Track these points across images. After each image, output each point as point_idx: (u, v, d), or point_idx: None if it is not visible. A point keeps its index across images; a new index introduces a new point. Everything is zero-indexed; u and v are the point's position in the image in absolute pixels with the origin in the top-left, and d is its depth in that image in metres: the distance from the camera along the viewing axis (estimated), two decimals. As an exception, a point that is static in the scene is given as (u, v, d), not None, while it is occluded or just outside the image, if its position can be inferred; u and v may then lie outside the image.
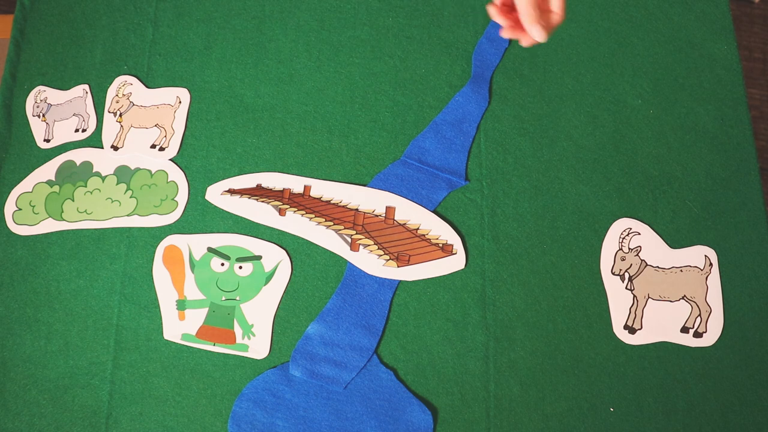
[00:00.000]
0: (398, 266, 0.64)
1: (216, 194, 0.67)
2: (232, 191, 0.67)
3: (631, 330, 0.62)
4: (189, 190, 0.67)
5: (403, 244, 0.65)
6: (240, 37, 0.73)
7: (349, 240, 0.65)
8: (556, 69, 0.72)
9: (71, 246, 0.66)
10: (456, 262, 0.65)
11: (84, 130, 0.70)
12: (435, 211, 0.66)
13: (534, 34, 0.56)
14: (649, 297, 0.63)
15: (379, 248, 0.65)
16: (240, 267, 0.64)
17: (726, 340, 0.63)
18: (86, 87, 0.72)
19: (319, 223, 0.65)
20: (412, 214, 0.66)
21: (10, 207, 0.68)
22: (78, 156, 0.69)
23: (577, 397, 0.61)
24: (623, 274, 0.64)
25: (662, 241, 0.65)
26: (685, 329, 0.62)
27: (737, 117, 0.70)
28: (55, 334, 0.63)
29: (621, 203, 0.67)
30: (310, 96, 0.71)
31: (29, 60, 0.73)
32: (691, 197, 0.67)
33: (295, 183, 0.67)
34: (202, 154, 0.69)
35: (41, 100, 0.71)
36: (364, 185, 0.67)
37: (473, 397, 0.61)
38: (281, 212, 0.66)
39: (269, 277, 0.64)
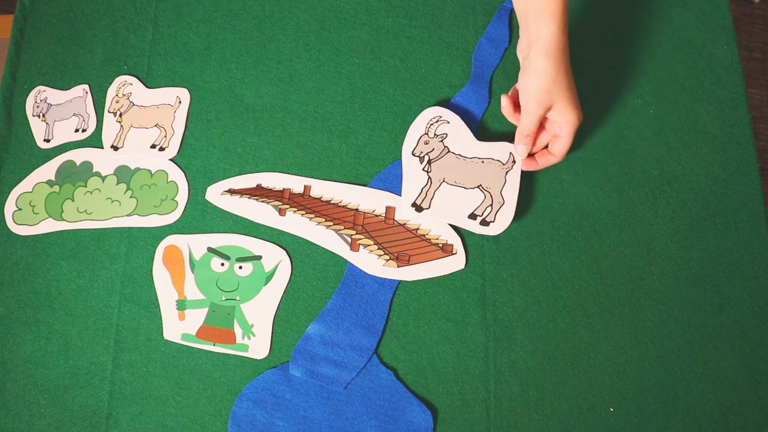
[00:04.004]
0: (398, 266, 0.64)
1: (216, 194, 0.67)
2: (232, 191, 0.67)
3: (419, 208, 0.64)
4: (189, 190, 0.67)
5: (403, 244, 0.65)
6: (240, 37, 0.73)
7: (349, 240, 0.65)
8: (556, 69, 0.72)
9: (71, 246, 0.66)
10: (456, 262, 0.65)
11: (84, 130, 0.70)
12: (435, 211, 0.66)
13: (516, 151, 0.60)
14: (444, 181, 0.64)
15: (379, 248, 0.65)
16: (240, 267, 0.64)
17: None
18: (86, 87, 0.72)
19: (319, 223, 0.65)
20: (411, 214, 0.66)
21: (10, 207, 0.68)
22: (78, 156, 0.69)
23: (577, 397, 0.61)
24: (423, 156, 0.65)
25: (470, 132, 0.66)
26: (473, 216, 0.63)
27: (737, 117, 0.70)
28: (55, 334, 0.63)
29: (621, 203, 0.67)
30: (310, 96, 0.71)
31: (29, 60, 0.73)
32: (691, 197, 0.67)
33: (295, 183, 0.67)
34: (202, 154, 0.69)
35: (41, 100, 0.71)
36: (364, 185, 0.67)
37: (473, 397, 0.61)
38: (281, 212, 0.66)
39: (269, 277, 0.64)
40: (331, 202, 0.66)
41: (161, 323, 0.63)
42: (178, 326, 0.63)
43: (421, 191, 0.64)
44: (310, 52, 0.72)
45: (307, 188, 0.67)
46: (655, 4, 0.74)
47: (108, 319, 0.64)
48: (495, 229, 0.63)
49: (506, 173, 0.64)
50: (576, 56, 0.72)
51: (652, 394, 0.61)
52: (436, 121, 0.66)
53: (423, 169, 0.65)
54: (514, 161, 0.64)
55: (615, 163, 0.68)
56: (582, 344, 0.63)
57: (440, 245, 0.65)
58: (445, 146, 0.65)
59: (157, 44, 0.73)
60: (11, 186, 0.68)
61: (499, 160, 0.64)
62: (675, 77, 0.71)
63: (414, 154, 0.65)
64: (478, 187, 0.64)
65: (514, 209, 0.64)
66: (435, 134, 0.65)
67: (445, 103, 0.70)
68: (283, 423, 0.60)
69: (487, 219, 0.63)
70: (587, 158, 0.69)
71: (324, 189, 0.67)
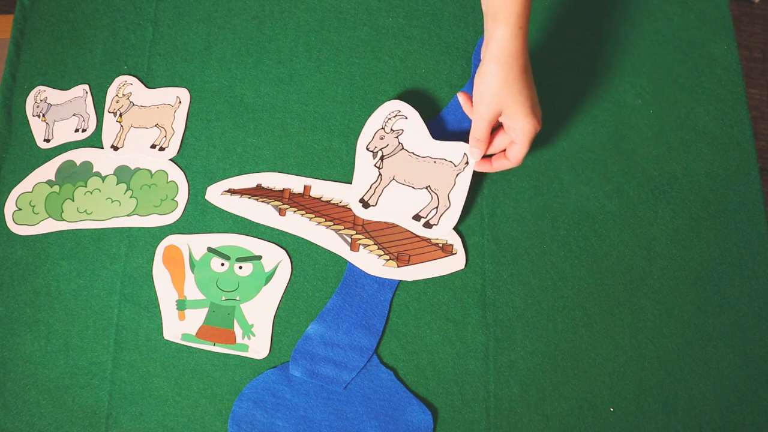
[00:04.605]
0: (398, 266, 0.64)
1: (216, 194, 0.67)
2: (232, 191, 0.67)
3: (366, 204, 0.64)
4: (189, 190, 0.67)
5: (403, 244, 0.65)
6: (240, 37, 0.73)
7: (349, 240, 0.65)
8: (555, 69, 0.72)
9: (71, 246, 0.66)
10: (456, 262, 0.65)
11: (84, 130, 0.70)
12: (435, 211, 0.66)
13: (470, 153, 0.62)
14: (394, 179, 0.64)
15: (379, 248, 0.65)
16: (240, 267, 0.64)
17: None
18: (86, 87, 0.72)
19: (319, 223, 0.65)
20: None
21: (10, 207, 0.68)
22: (78, 156, 0.69)
23: (577, 397, 0.61)
24: (377, 152, 0.65)
25: (426, 130, 0.65)
26: (417, 217, 0.64)
27: (737, 117, 0.70)
28: (55, 334, 0.63)
29: (621, 203, 0.67)
30: (310, 96, 0.71)
31: (29, 60, 0.73)
32: (691, 197, 0.67)
33: (295, 183, 0.67)
34: (202, 154, 0.69)
35: (41, 100, 0.71)
36: (364, 185, 0.67)
37: (473, 397, 0.61)
38: (281, 212, 0.66)
39: (269, 277, 0.64)
40: (331, 202, 0.66)
41: (161, 323, 0.63)
42: (178, 326, 0.63)
43: (370, 187, 0.64)
44: (310, 52, 0.72)
45: (307, 188, 0.67)
46: (655, 4, 0.74)
47: (108, 319, 0.64)
48: (437, 232, 0.64)
49: (456, 176, 0.63)
50: (576, 56, 0.72)
51: (652, 394, 0.61)
52: (394, 116, 0.65)
53: (375, 165, 0.64)
54: (467, 162, 0.63)
55: (615, 163, 0.68)
56: (582, 344, 0.63)
57: (440, 245, 0.65)
58: (399, 143, 0.65)
59: (157, 44, 0.73)
60: (11, 186, 0.68)
61: (451, 161, 0.63)
62: (675, 77, 0.71)
63: (368, 149, 0.65)
64: (426, 188, 0.64)
65: (459, 214, 0.64)
66: (391, 129, 0.65)
67: (439, 104, 0.70)
68: (283, 423, 0.60)
69: (431, 222, 0.63)
70: (587, 158, 0.69)
71: (324, 189, 0.67)
